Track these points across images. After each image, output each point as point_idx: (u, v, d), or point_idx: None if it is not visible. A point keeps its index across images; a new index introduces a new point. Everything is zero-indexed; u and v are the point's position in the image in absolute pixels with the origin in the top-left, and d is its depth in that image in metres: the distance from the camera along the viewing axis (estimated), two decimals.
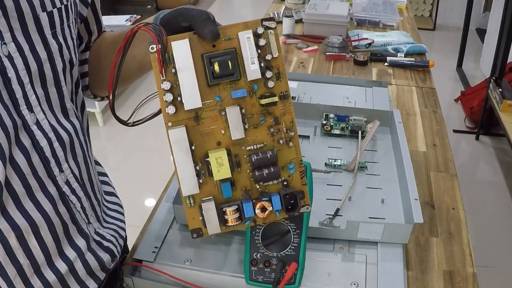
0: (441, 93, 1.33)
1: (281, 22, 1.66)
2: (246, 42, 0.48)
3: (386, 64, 1.37)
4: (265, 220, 0.51)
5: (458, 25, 3.85)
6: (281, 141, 0.50)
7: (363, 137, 0.86)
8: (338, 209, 0.71)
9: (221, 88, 0.49)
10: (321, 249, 0.66)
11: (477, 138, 2.61)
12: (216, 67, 0.47)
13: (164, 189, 0.82)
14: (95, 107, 2.56)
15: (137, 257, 0.65)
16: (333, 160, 0.83)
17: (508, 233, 1.98)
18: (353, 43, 1.47)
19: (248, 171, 0.51)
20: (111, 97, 0.51)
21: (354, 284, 0.61)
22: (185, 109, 0.48)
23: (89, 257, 0.58)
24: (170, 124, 0.48)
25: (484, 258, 1.81)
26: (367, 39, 1.48)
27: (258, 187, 0.51)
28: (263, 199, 0.50)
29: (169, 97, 0.47)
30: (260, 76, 0.48)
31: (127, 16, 2.81)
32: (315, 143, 0.90)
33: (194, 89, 0.48)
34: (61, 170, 0.52)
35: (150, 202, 2.12)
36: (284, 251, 0.57)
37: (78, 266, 0.56)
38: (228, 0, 4.90)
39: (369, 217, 0.71)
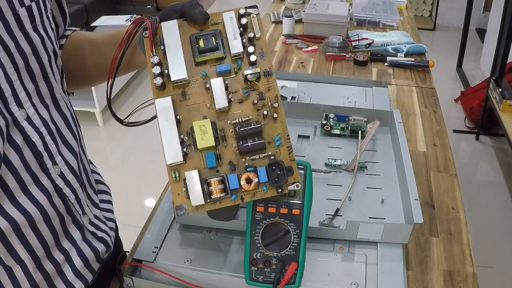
0: (441, 93, 1.33)
1: (281, 22, 1.66)
2: (229, 21, 0.52)
3: (386, 64, 1.37)
4: (253, 196, 0.50)
5: (458, 25, 3.85)
6: (265, 112, 0.51)
7: (363, 137, 0.86)
8: (338, 209, 0.71)
9: (207, 66, 0.52)
10: (321, 249, 0.66)
11: (477, 138, 2.61)
12: (201, 43, 0.51)
13: (164, 189, 0.82)
14: (95, 107, 2.56)
15: (137, 257, 0.65)
16: (333, 160, 0.83)
17: (508, 233, 1.98)
18: (353, 43, 1.47)
19: (234, 145, 0.51)
20: (109, 90, 0.55)
21: (354, 284, 0.61)
22: (172, 80, 0.50)
23: (85, 247, 0.58)
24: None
25: (484, 258, 1.81)
26: (367, 39, 1.48)
27: (244, 160, 0.50)
28: (248, 170, 0.50)
29: (157, 69, 0.51)
30: (242, 50, 0.51)
31: (127, 16, 2.81)
32: (315, 143, 0.90)
33: (180, 61, 0.51)
34: (54, 163, 0.52)
35: (150, 202, 2.12)
36: (284, 251, 0.57)
37: (74, 255, 0.57)
38: (228, 0, 4.90)
39: (369, 217, 0.71)
